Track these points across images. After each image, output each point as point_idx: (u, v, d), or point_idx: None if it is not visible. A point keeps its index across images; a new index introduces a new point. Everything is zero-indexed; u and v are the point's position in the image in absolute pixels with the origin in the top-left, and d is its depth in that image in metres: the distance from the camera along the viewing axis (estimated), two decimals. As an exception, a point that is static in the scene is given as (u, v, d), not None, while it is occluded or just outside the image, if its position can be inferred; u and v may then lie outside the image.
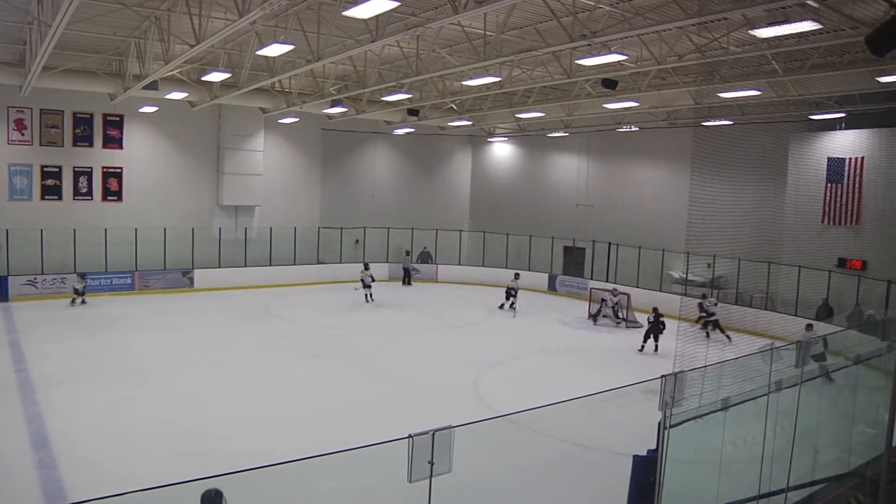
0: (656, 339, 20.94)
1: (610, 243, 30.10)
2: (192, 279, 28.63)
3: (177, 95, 25.07)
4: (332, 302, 27.19)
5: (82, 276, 25.57)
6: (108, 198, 29.14)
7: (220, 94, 25.14)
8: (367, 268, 28.08)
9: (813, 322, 20.71)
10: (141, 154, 29.77)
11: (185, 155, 30.92)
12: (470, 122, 32.85)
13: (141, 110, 28.26)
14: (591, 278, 29.74)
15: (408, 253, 33.45)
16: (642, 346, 20.97)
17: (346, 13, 13.02)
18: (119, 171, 29.27)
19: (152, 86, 22.44)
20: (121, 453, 11.82)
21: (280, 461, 6.71)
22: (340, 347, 20.12)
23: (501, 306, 26.46)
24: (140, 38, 20.18)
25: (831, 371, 9.72)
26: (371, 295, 27.42)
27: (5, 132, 26.78)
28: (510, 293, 26.24)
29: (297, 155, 34.33)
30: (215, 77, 21.84)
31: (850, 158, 23.19)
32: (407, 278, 32.77)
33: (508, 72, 21.72)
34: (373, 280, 27.75)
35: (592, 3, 14.92)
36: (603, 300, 25.26)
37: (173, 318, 23.09)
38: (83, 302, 25.02)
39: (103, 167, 28.92)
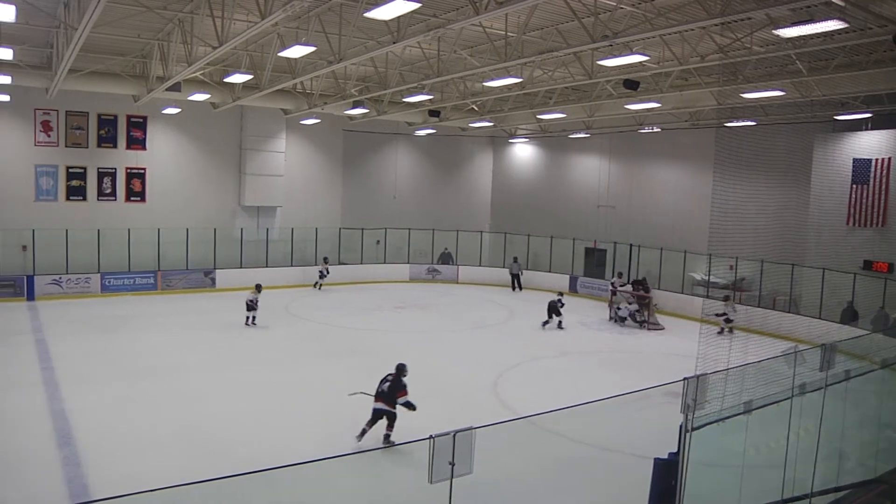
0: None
1: (631, 245, 29.95)
2: (213, 279, 28.85)
3: (199, 97, 25.29)
4: (353, 303, 27.28)
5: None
6: (132, 198, 29.45)
7: (242, 95, 25.32)
8: (325, 261, 30.59)
9: (729, 294, 24.07)
10: (164, 155, 30.07)
11: (208, 156, 31.18)
12: (491, 123, 32.82)
13: (164, 112, 28.56)
14: (612, 280, 29.57)
15: (516, 259, 32.61)
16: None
17: (368, 14, 13.06)
18: (142, 171, 29.57)
19: (175, 87, 22.68)
20: (143, 451, 11.93)
21: (301, 461, 6.75)
22: (361, 348, 20.16)
23: (546, 323, 24.01)
24: (163, 40, 20.39)
25: (854, 376, 9.57)
26: (320, 286, 30.09)
27: (32, 134, 27.17)
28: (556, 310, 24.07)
29: (318, 156, 34.48)
30: (237, 78, 21.98)
31: (877, 159, 22.89)
32: (517, 283, 31.90)
33: (530, 73, 21.69)
34: (328, 273, 30.31)
35: (614, 4, 14.86)
36: (617, 307, 25.21)
37: (195, 318, 23.26)
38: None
39: (127, 168, 29.24)
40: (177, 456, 11.78)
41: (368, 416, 12.26)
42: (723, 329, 23.02)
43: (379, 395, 12.38)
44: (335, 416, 14.20)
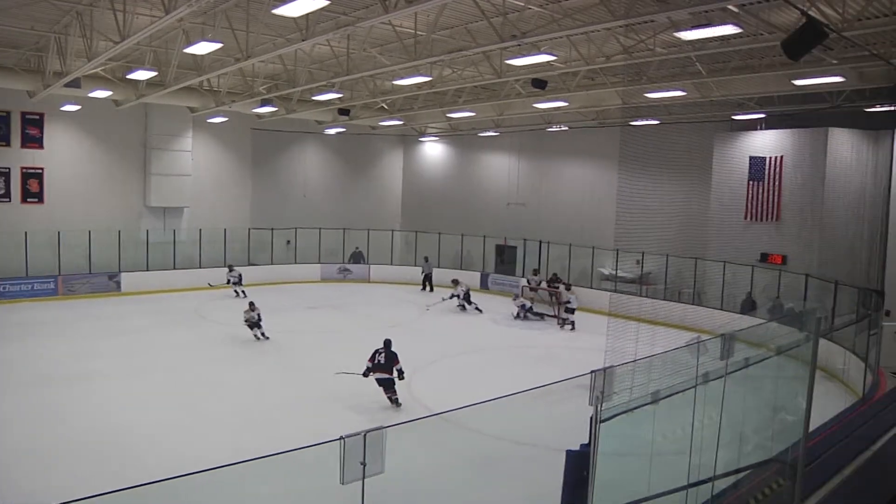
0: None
1: (541, 241, 30.41)
2: (118, 283, 27.79)
3: (101, 94, 24.28)
4: (265, 304, 26.59)
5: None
6: (29, 199, 28.05)
7: (146, 92, 24.49)
8: (231, 269, 28.57)
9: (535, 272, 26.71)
10: (63, 154, 28.77)
11: (111, 155, 30.03)
12: (401, 122, 32.79)
13: (63, 108, 27.21)
14: (523, 276, 29.97)
15: (427, 259, 32.04)
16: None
17: (276, 11, 12.84)
18: (40, 171, 28.20)
19: (74, 83, 21.68)
20: (40, 466, 11.41)
21: (209, 467, 6.58)
22: (273, 350, 19.82)
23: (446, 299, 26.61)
24: (60, 33, 19.45)
25: (752, 363, 9.96)
26: (239, 292, 27.66)
27: (-85, 131, 25.61)
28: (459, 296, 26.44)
29: (226, 155, 33.74)
30: (141, 75, 21.26)
31: (771, 157, 23.99)
32: (429, 284, 31.04)
33: (439, 71, 21.75)
34: (240, 277, 28.40)
35: (522, 4, 15.05)
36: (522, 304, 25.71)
37: (99, 324, 22.37)
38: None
39: (22, 168, 27.82)
40: (78, 469, 11.31)
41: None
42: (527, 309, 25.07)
43: (378, 368, 14.71)
44: (247, 419, 13.97)
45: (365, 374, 14.89)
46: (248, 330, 20.55)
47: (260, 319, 20.60)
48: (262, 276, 31.02)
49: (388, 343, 15.04)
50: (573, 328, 23.69)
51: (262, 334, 20.55)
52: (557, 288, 26.35)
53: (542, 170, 33.05)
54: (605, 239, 26.73)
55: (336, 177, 37.82)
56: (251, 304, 21.02)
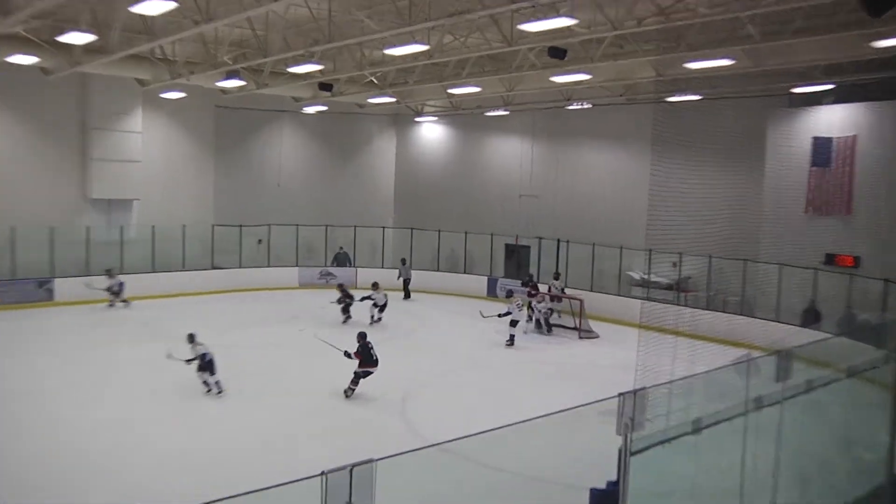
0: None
1: (559, 240, 30.34)
2: (50, 291, 27.71)
3: (23, 59, 23.69)
4: (230, 315, 26.74)
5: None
6: (-69, 191, 27.88)
7: (83, 60, 24.24)
8: (110, 273, 27.70)
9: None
10: (-25, 134, 28.59)
11: (39, 136, 29.86)
12: (394, 99, 32.77)
13: (-29, 77, 26.96)
14: (539, 281, 29.89)
15: (404, 261, 32.42)
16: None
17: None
18: (-57, 154, 28.13)
19: (-14, 46, 21.43)
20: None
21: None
22: (242, 369, 19.57)
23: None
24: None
25: (816, 387, 9.90)
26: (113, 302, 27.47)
27: None
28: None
29: (184, 137, 33.77)
30: (75, 38, 20.74)
31: (840, 138, 23.77)
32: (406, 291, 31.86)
33: (438, 39, 21.66)
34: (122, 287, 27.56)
35: (537, -45, 14.97)
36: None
37: (25, 341, 22.17)
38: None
39: (-81, 149, 27.68)
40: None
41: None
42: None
43: (373, 363, 17.21)
44: (212, 454, 13.88)
45: (346, 355, 17.21)
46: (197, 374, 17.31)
47: (211, 361, 17.21)
48: (228, 282, 31.05)
49: (364, 335, 17.66)
50: (511, 343, 23.36)
51: (216, 384, 17.21)
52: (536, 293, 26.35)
53: (561, 155, 33.01)
54: (636, 237, 26.61)
55: (317, 164, 37.90)
56: (191, 335, 17.57)
